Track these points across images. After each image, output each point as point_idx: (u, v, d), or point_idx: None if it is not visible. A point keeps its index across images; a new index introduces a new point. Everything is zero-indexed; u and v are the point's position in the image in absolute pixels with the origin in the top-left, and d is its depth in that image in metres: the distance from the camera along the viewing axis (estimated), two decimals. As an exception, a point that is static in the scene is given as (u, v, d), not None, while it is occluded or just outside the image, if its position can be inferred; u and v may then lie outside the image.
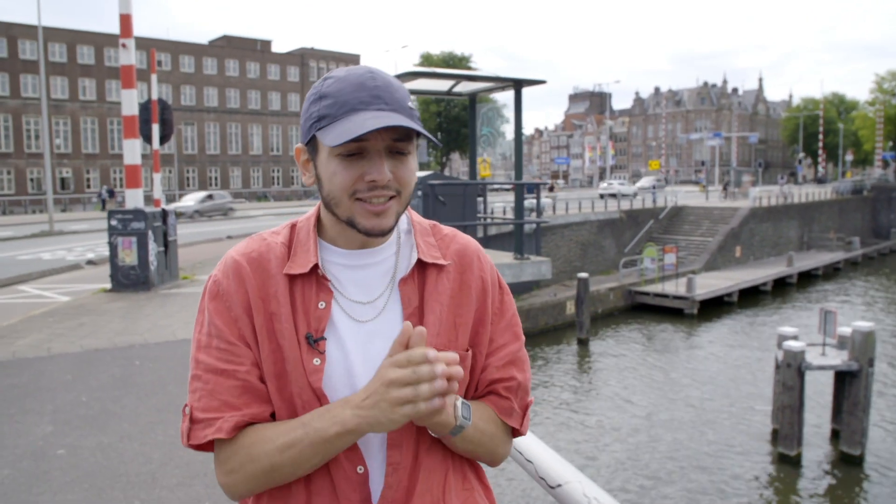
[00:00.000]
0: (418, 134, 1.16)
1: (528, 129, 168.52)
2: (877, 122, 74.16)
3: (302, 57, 72.93)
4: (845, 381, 13.89)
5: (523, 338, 1.34)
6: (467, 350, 1.26)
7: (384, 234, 1.19)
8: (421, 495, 1.19)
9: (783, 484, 13.07)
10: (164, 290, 12.26)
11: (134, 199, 12.44)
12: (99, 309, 10.32)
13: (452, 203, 11.05)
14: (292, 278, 1.21)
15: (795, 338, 14.40)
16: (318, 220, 1.28)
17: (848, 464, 13.59)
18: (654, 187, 46.29)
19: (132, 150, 12.29)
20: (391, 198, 1.17)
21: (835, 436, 14.38)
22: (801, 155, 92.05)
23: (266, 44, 74.57)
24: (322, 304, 1.19)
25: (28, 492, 3.92)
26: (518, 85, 12.06)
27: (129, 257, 12.06)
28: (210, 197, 38.77)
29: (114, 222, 12.10)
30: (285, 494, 1.18)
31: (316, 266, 1.21)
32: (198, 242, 21.54)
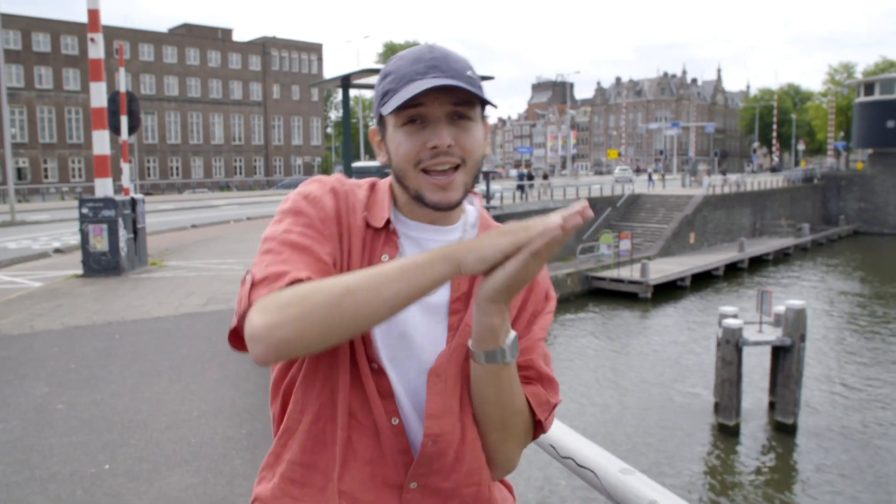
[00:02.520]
0: (484, 104, 1.20)
1: (491, 119, 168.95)
2: (829, 112, 76.23)
3: (264, 46, 72.73)
4: (780, 356, 14.90)
5: (545, 336, 1.34)
6: None
7: (451, 207, 1.19)
8: (460, 459, 1.20)
9: (723, 452, 14.03)
10: (135, 275, 12.75)
11: (104, 188, 12.89)
12: (73, 292, 10.81)
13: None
14: (367, 228, 1.22)
15: (735, 316, 15.36)
16: (392, 190, 1.28)
17: (782, 432, 14.61)
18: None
19: (101, 141, 12.74)
20: (456, 167, 1.17)
21: (771, 407, 15.39)
22: (757, 144, 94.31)
23: (227, 32, 74.18)
24: (385, 257, 1.20)
25: (37, 436, 4.55)
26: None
27: (100, 244, 12.53)
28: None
29: (85, 210, 12.55)
30: (323, 440, 1.18)
31: (388, 221, 1.22)
32: (164, 231, 21.90)
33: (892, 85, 53.99)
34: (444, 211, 1.21)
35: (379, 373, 1.17)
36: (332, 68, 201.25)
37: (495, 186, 37.17)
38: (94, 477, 3.97)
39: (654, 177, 53.05)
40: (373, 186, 1.30)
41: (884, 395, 16.83)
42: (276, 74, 73.26)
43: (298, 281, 1.08)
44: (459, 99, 1.16)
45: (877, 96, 54.08)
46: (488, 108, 1.26)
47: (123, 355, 6.75)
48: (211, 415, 5.04)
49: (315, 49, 76.63)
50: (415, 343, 1.20)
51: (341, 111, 74.89)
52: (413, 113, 1.15)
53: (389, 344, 1.18)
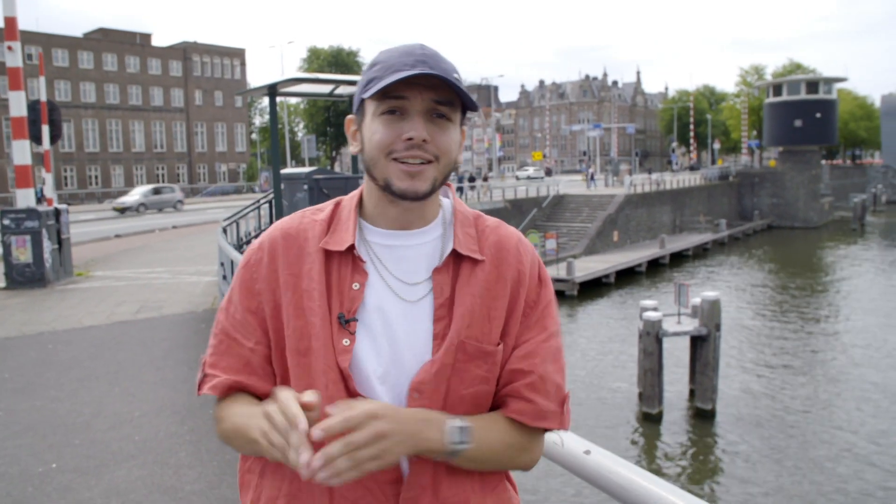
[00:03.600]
0: (464, 109, 1.21)
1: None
2: (742, 112, 79.31)
3: (184, 51, 71.34)
4: (697, 345, 15.68)
5: (554, 328, 1.28)
6: (498, 344, 1.22)
7: (418, 198, 1.18)
8: (450, 484, 1.18)
9: (646, 438, 14.68)
10: (61, 286, 12.58)
11: (25, 198, 12.69)
12: (-2, 305, 10.64)
13: (335, 194, 11.91)
14: (328, 255, 1.21)
15: (655, 309, 16.06)
16: (361, 200, 1.28)
17: (702, 418, 15.36)
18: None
19: (22, 151, 12.54)
20: (428, 162, 1.17)
21: (691, 394, 16.16)
22: (675, 144, 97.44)
23: (146, 37, 72.49)
24: (356, 286, 1.19)
25: (-20, 442, 4.63)
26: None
27: (23, 255, 12.33)
28: (157, 191, 40.97)
29: (6, 221, 12.33)
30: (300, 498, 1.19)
31: (352, 246, 1.21)
32: (87, 241, 21.46)
33: (798, 86, 56.70)
34: (410, 201, 1.18)
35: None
36: (256, 73, 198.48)
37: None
38: (43, 475, 4.11)
39: (597, 177, 54.05)
40: (337, 206, 1.30)
41: (794, 380, 17.85)
42: (197, 80, 71.94)
43: (225, 388, 1.23)
44: (442, 97, 1.16)
45: (784, 97, 56.65)
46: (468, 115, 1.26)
47: (59, 363, 6.79)
48: (152, 414, 5.20)
49: (238, 54, 75.59)
50: (404, 357, 1.18)
51: (265, 116, 74.03)
52: (394, 104, 1.16)
53: (382, 362, 1.17)
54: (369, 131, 1.19)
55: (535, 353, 1.24)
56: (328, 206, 1.30)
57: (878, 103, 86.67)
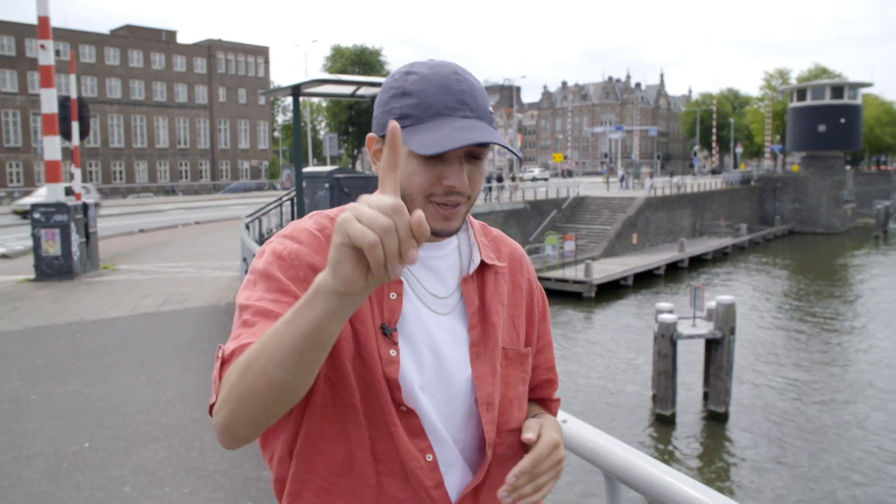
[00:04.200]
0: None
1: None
2: (766, 116, 78.80)
3: (209, 48, 72.13)
4: (712, 349, 15.78)
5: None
6: (527, 348, 1.32)
7: (450, 235, 1.19)
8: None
9: (658, 439, 14.81)
10: (88, 278, 12.93)
11: (55, 192, 13.06)
12: (28, 296, 11.00)
13: (356, 194, 12.24)
14: None
15: (670, 312, 16.19)
16: None
17: (715, 420, 15.47)
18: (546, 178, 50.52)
19: (52, 147, 12.90)
20: (462, 202, 1.17)
21: (705, 397, 16.25)
22: (698, 147, 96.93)
23: (171, 34, 73.40)
24: (393, 295, 1.18)
25: (17, 422, 4.94)
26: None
27: (52, 248, 12.70)
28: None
29: (37, 215, 12.71)
30: (354, 478, 1.15)
31: None
32: (112, 236, 21.91)
33: (822, 91, 56.31)
34: (442, 238, 1.20)
35: (408, 413, 1.15)
36: (280, 71, 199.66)
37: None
38: (77, 453, 4.39)
39: (627, 180, 53.32)
40: None
41: (809, 386, 17.87)
42: (221, 77, 72.69)
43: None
44: (480, 145, 1.14)
45: (809, 101, 56.29)
46: None
47: (88, 352, 7.09)
48: (177, 400, 5.46)
49: (262, 52, 76.28)
50: (446, 367, 1.20)
51: (288, 115, 74.52)
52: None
53: (424, 372, 1.18)
54: (404, 169, 1.13)
55: (552, 365, 1.42)
56: None
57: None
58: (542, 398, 1.42)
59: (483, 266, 1.28)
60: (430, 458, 1.16)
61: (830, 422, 15.40)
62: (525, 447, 1.21)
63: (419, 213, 0.83)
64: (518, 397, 1.28)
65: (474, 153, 1.15)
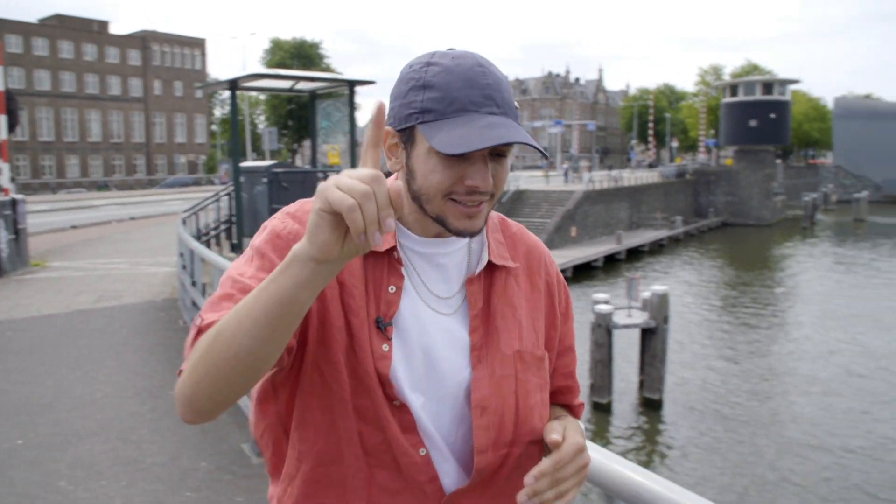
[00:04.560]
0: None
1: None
2: (700, 111, 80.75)
3: (143, 40, 70.41)
4: (647, 338, 16.24)
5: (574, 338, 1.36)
6: (545, 351, 1.25)
7: (474, 235, 1.10)
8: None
9: (596, 426, 15.19)
10: (17, 276, 12.60)
11: (-19, 187, 12.67)
12: (-46, 293, 10.67)
13: (294, 189, 12.24)
14: (366, 254, 1.09)
15: (606, 302, 16.60)
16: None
17: (649, 407, 15.94)
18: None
19: (-22, 140, 12.51)
20: (486, 200, 1.10)
21: (641, 385, 16.72)
22: (635, 142, 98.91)
23: (103, 24, 71.41)
24: (392, 289, 1.13)
25: (-54, 420, 4.84)
26: (351, 85, 13.51)
27: (-21, 245, 12.32)
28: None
29: (-37, 211, 12.31)
30: (345, 469, 1.12)
31: (393, 248, 1.14)
32: (42, 232, 21.31)
33: (753, 87, 58.09)
34: (465, 237, 1.14)
35: (401, 409, 1.11)
36: (218, 64, 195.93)
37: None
38: (10, 451, 4.35)
39: (569, 174, 54.10)
40: None
41: (739, 371, 18.54)
42: (157, 70, 71.04)
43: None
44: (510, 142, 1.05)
45: (740, 97, 57.99)
46: None
47: (19, 350, 6.97)
48: (114, 396, 5.44)
49: (198, 44, 74.79)
50: (440, 367, 1.15)
51: (227, 108, 73.29)
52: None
53: (414, 370, 1.13)
54: (424, 166, 1.08)
55: (572, 370, 1.34)
56: None
57: (831, 105, 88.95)
58: (562, 404, 1.35)
59: (492, 266, 1.21)
60: (423, 452, 1.13)
61: (759, 407, 16.03)
62: (544, 452, 1.17)
63: (398, 185, 0.87)
64: (538, 405, 1.21)
65: (499, 150, 1.09)
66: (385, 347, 1.11)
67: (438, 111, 1.06)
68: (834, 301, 27.47)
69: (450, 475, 1.16)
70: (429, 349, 1.14)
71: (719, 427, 14.96)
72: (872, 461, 13.05)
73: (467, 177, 1.07)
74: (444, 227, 1.11)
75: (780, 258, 40.27)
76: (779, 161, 69.80)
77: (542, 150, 1.16)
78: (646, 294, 16.63)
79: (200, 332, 1.01)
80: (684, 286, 29.89)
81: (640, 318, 16.38)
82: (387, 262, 1.14)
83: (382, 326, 1.11)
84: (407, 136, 1.10)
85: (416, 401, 1.13)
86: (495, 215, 1.29)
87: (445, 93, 1.06)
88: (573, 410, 1.35)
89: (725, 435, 14.59)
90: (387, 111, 1.11)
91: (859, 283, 31.70)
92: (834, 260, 38.82)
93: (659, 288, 16.41)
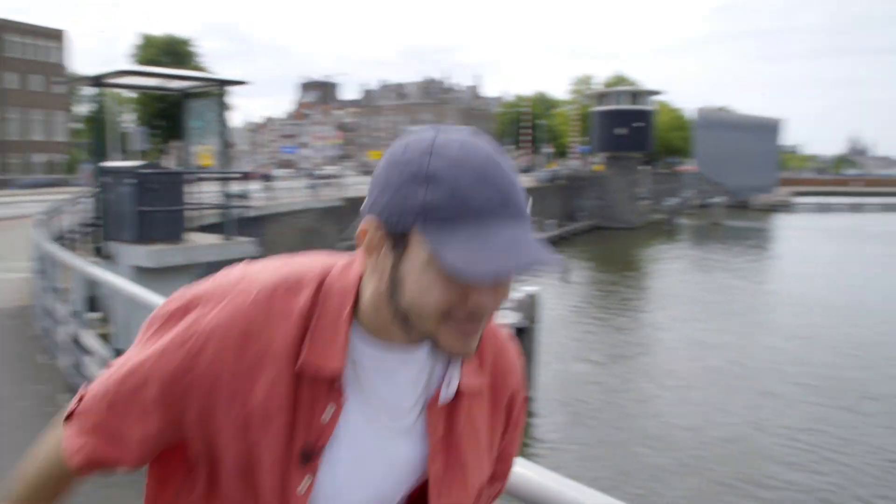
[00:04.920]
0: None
1: (256, 117, 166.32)
2: (572, 119, 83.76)
3: (-3, 30, 65.81)
4: (519, 337, 16.73)
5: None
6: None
7: (468, 356, 0.92)
8: None
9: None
10: None
11: None
12: None
13: (164, 190, 11.85)
14: (300, 373, 0.93)
15: (481, 304, 16.92)
16: (357, 294, 0.95)
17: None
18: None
19: None
20: (480, 326, 0.91)
21: (514, 384, 17.16)
22: (511, 148, 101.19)
23: (-50, 13, 66.17)
24: (331, 407, 0.94)
25: None
26: (222, 85, 13.28)
27: None
28: None
29: None
30: None
31: (339, 375, 0.93)
32: None
33: (619, 97, 61.06)
34: (457, 358, 0.95)
35: None
36: (86, 59, 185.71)
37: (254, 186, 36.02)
38: None
39: None
40: (318, 291, 0.95)
41: (607, 369, 19.44)
42: (11, 62, 66.53)
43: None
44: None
45: (609, 106, 60.74)
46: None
47: None
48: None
49: (55, 35, 70.60)
50: (378, 493, 1.01)
51: (91, 106, 69.65)
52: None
53: (344, 500, 0.99)
54: (419, 280, 0.87)
55: (507, 472, 1.20)
56: (308, 285, 0.96)
57: (691, 115, 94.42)
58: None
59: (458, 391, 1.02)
60: None
61: (627, 403, 16.85)
62: None
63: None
64: None
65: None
66: (301, 489, 0.94)
67: (445, 214, 0.84)
68: (692, 299, 29.24)
69: None
70: (366, 478, 0.99)
71: (588, 422, 15.62)
72: (725, 450, 13.99)
73: (474, 298, 0.87)
74: (433, 346, 0.92)
75: (644, 259, 42.55)
76: (647, 167, 73.50)
77: (565, 276, 0.97)
78: (518, 295, 17.12)
79: (72, 416, 1.04)
80: (556, 287, 30.97)
81: (513, 318, 16.84)
82: (328, 384, 0.94)
83: (305, 461, 0.94)
84: (398, 239, 0.87)
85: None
86: None
87: (454, 191, 0.84)
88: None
89: (594, 430, 15.25)
90: (371, 197, 0.91)
91: (714, 281, 33.92)
92: (691, 260, 41.33)
93: (530, 289, 16.95)
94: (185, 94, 13.76)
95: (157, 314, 1.00)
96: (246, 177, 31.16)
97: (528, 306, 16.44)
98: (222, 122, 13.24)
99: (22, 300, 9.84)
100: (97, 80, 12.41)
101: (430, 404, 1.01)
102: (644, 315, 26.87)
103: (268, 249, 12.28)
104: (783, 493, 12.02)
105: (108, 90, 17.11)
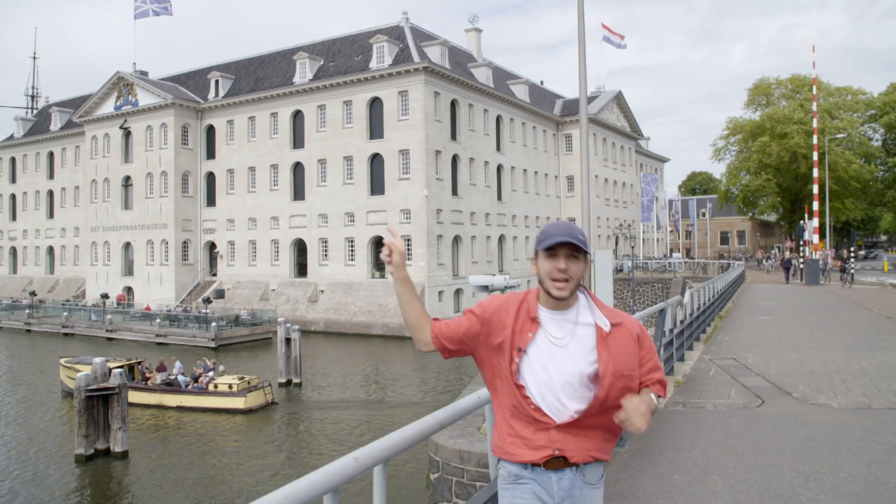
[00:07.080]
0: (586, 253, 2.51)
1: None
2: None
3: None
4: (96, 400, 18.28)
5: (655, 354, 2.69)
6: (636, 371, 2.58)
7: (562, 299, 2.53)
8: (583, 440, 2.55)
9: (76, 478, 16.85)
10: None
11: None
12: None
13: None
14: (522, 316, 2.60)
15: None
16: (539, 294, 2.62)
17: (117, 458, 18.05)
18: None
19: None
20: (567, 280, 2.51)
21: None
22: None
23: None
24: (530, 334, 2.54)
25: None
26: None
27: None
28: None
29: None
30: (517, 419, 2.59)
31: (535, 317, 2.57)
32: None
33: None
34: (559, 300, 2.55)
35: (520, 387, 2.54)
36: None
37: None
38: None
39: None
40: (527, 294, 2.66)
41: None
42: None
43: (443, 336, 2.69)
44: (572, 249, 2.50)
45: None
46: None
47: None
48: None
49: None
50: (555, 378, 2.53)
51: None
52: (552, 252, 2.52)
53: (537, 378, 2.55)
54: (541, 264, 2.56)
55: (656, 367, 2.67)
56: (529, 293, 2.69)
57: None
58: (647, 384, 2.65)
59: (603, 325, 2.60)
60: (532, 406, 2.54)
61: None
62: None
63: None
64: (627, 389, 2.56)
65: (572, 254, 2.53)
66: (517, 360, 2.55)
67: (541, 237, 2.55)
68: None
69: (562, 415, 2.54)
70: (548, 370, 2.53)
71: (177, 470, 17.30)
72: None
73: (556, 266, 2.52)
74: (549, 295, 2.58)
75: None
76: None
77: (587, 251, 2.55)
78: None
79: (437, 323, 2.78)
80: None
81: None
82: (530, 321, 2.61)
83: (518, 351, 2.56)
84: (536, 254, 2.60)
85: (539, 398, 2.54)
86: (596, 298, 2.73)
87: (548, 233, 2.54)
88: (654, 387, 2.65)
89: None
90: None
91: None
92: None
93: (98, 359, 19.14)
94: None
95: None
96: None
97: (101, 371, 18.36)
98: None
99: None
100: None
101: (599, 328, 2.62)
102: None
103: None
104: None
105: None
